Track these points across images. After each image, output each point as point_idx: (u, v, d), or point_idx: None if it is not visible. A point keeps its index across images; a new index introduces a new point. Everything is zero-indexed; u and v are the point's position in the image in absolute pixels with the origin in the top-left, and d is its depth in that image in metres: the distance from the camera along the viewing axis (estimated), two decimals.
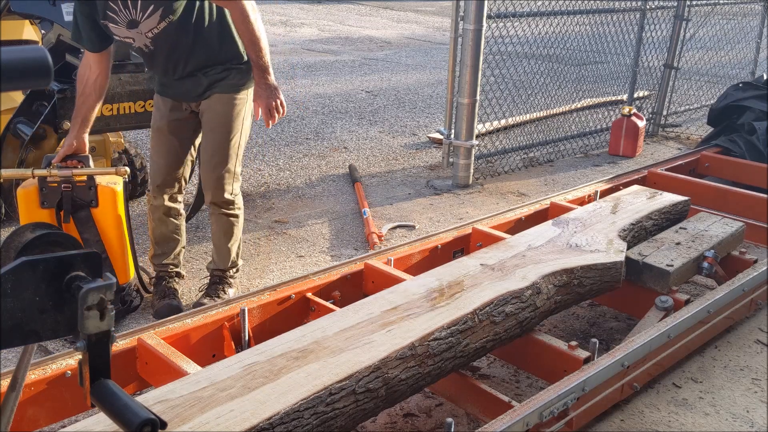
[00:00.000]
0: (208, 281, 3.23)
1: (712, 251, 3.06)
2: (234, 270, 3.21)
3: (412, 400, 2.56)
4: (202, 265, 3.53)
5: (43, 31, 4.04)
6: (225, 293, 3.15)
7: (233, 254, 3.17)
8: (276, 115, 2.81)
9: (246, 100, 2.98)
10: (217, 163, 2.97)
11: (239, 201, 3.10)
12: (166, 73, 2.94)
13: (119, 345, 2.25)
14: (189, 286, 3.41)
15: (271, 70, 2.81)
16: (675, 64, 6.46)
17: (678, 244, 3.10)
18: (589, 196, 3.91)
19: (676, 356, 2.77)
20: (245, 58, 2.90)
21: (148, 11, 2.66)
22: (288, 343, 2.02)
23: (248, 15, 2.69)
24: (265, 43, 2.78)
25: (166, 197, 3.12)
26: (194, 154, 3.18)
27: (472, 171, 5.07)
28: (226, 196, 3.01)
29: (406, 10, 15.45)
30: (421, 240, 3.18)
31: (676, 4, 6.34)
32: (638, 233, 3.14)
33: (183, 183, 3.17)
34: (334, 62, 9.29)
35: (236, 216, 3.11)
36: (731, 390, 2.73)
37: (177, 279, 3.27)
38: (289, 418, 1.71)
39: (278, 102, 2.81)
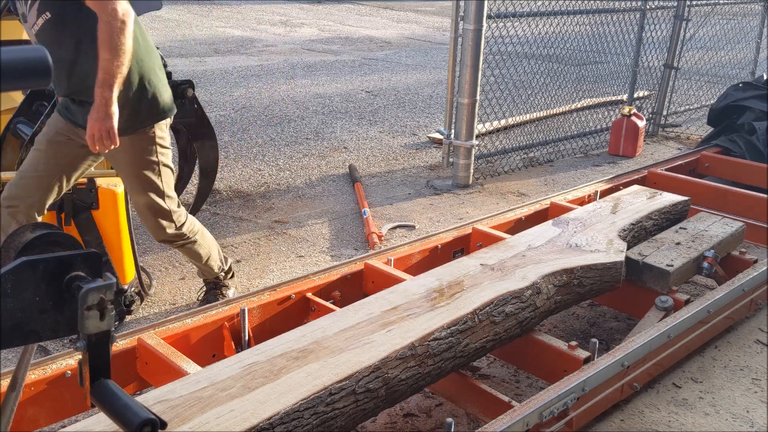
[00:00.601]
0: (205, 289, 3.23)
1: (712, 251, 3.06)
2: (224, 273, 3.19)
3: (412, 400, 2.56)
4: None
5: None
6: (224, 296, 3.14)
7: (215, 266, 3.11)
8: (98, 144, 2.44)
9: (153, 137, 2.70)
10: (143, 207, 2.79)
11: (189, 225, 2.92)
12: (54, 84, 2.62)
13: (119, 345, 2.25)
14: (189, 286, 3.41)
15: (115, 97, 2.40)
16: (675, 64, 6.46)
17: (678, 244, 3.10)
18: (589, 196, 3.91)
19: (676, 356, 2.77)
20: (146, 89, 2.63)
21: (29, 3, 2.53)
22: (288, 343, 2.02)
23: (116, 20, 2.34)
24: (126, 61, 2.40)
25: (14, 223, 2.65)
26: (63, 185, 2.77)
27: (472, 171, 5.07)
28: (169, 232, 2.85)
29: (406, 10, 15.44)
30: (421, 240, 3.18)
31: (676, 4, 6.34)
32: (638, 233, 3.14)
33: (37, 212, 2.72)
34: (334, 62, 9.29)
35: (194, 241, 2.96)
36: (731, 390, 2.73)
37: None
38: (289, 418, 1.71)
39: (105, 133, 2.41)
